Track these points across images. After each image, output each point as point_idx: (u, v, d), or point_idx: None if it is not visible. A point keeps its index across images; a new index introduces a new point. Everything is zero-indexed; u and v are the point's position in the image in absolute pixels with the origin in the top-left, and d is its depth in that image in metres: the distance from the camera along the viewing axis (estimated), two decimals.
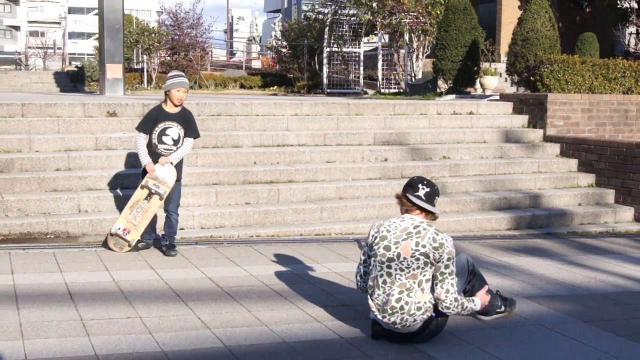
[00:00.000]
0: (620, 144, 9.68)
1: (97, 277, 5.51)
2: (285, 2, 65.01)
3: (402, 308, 4.22)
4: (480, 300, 4.53)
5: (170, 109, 6.30)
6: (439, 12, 16.45)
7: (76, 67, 27.58)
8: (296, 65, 22.45)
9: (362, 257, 4.56)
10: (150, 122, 6.29)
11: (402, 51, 17.70)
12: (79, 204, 7.15)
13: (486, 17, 25.39)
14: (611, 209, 9.31)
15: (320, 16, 21.51)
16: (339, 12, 19.71)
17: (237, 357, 4.04)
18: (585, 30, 17.96)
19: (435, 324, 4.35)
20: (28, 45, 47.99)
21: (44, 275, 5.51)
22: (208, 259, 6.28)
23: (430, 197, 4.39)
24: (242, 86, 22.80)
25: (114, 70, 13.04)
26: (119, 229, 6.28)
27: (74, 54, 58.26)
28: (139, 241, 6.40)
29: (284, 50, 24.21)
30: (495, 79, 16.22)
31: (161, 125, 6.25)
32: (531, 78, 12.36)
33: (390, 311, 4.24)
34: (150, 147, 6.28)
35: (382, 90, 18.73)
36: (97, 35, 19.46)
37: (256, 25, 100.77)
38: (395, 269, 4.26)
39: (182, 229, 7.01)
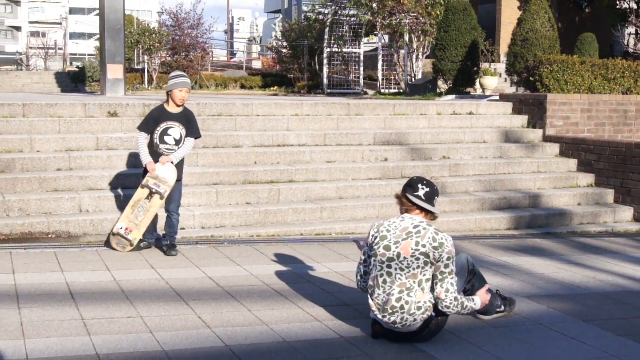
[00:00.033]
0: (619, 144, 9.70)
1: (98, 277, 5.53)
2: (285, 3, 65.03)
3: (402, 308, 4.23)
4: (480, 299, 4.55)
5: (172, 109, 6.32)
6: (439, 13, 16.47)
7: (77, 67, 27.61)
8: (297, 66, 22.47)
9: (362, 257, 4.58)
10: (152, 122, 6.31)
11: (402, 52, 17.72)
12: (80, 204, 7.18)
13: (486, 17, 25.42)
14: (610, 209, 9.33)
15: (321, 17, 21.53)
16: (339, 12, 19.74)
17: (237, 356, 4.06)
18: (585, 31, 17.98)
19: (435, 324, 4.37)
20: (29, 46, 48.00)
21: (45, 275, 5.52)
22: (209, 258, 6.30)
23: (430, 197, 4.41)
24: (242, 86, 22.82)
25: (115, 71, 13.06)
26: (122, 228, 6.30)
27: (75, 54, 58.30)
28: (141, 241, 6.42)
29: (284, 50, 24.23)
30: (495, 79, 16.23)
31: (163, 125, 6.27)
32: (531, 78, 12.38)
33: (390, 311, 4.26)
34: (152, 147, 6.30)
35: (382, 91, 18.75)
36: (98, 36, 19.48)
37: (257, 25, 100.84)
38: (396, 269, 4.28)
39: (183, 228, 7.03)
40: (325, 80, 19.82)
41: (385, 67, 19.37)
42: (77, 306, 4.78)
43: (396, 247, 4.29)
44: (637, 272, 6.68)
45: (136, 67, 22.62)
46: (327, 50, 19.83)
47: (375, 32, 19.52)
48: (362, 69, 20.16)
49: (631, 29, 23.88)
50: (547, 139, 10.66)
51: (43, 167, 7.63)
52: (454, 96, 13.98)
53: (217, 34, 55.27)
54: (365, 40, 21.14)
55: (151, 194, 6.28)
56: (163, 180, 6.26)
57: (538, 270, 6.48)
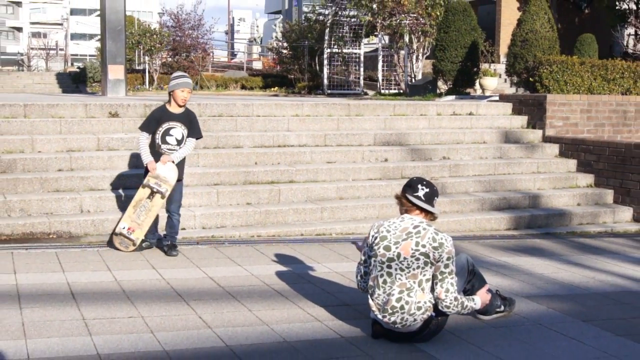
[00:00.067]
0: (619, 145, 9.72)
1: (99, 277, 5.54)
2: (286, 4, 65.00)
3: (402, 308, 4.25)
4: (480, 299, 4.56)
5: (174, 109, 6.34)
6: (438, 14, 16.48)
7: (78, 68, 27.62)
8: (297, 66, 22.49)
9: (362, 258, 4.59)
10: (153, 122, 6.33)
11: (402, 52, 17.73)
12: (81, 204, 7.19)
13: (485, 18, 25.46)
14: (610, 209, 9.35)
15: (321, 17, 21.54)
16: (340, 13, 19.75)
17: (238, 356, 4.08)
18: (584, 32, 18.00)
19: (435, 324, 4.38)
20: (30, 47, 48.02)
21: (46, 275, 5.54)
22: (209, 258, 6.32)
23: (430, 198, 4.42)
24: (243, 87, 22.83)
25: (115, 71, 13.09)
26: (124, 228, 6.32)
27: (76, 55, 58.33)
28: (143, 241, 6.44)
29: (284, 51, 24.24)
30: (494, 79, 16.24)
31: (165, 126, 6.29)
32: (530, 79, 12.40)
33: (390, 311, 4.27)
34: (154, 147, 6.32)
35: (382, 91, 18.77)
36: (99, 37, 19.46)
37: (257, 26, 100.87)
38: (396, 269, 4.29)
39: (183, 229, 7.05)
40: (326, 81, 19.84)
41: (385, 68, 19.38)
42: (78, 306, 4.79)
43: (396, 247, 4.30)
44: (636, 272, 6.69)
45: (137, 68, 22.63)
46: (327, 51, 19.84)
47: (375, 33, 19.54)
48: (362, 69, 20.17)
49: (630, 30, 23.90)
50: (546, 139, 10.68)
51: (44, 167, 7.65)
52: (453, 97, 14.00)
53: (218, 35, 55.40)
54: (365, 40, 21.16)
55: (152, 193, 6.30)
56: (164, 179, 6.28)
57: (537, 270, 6.49)
